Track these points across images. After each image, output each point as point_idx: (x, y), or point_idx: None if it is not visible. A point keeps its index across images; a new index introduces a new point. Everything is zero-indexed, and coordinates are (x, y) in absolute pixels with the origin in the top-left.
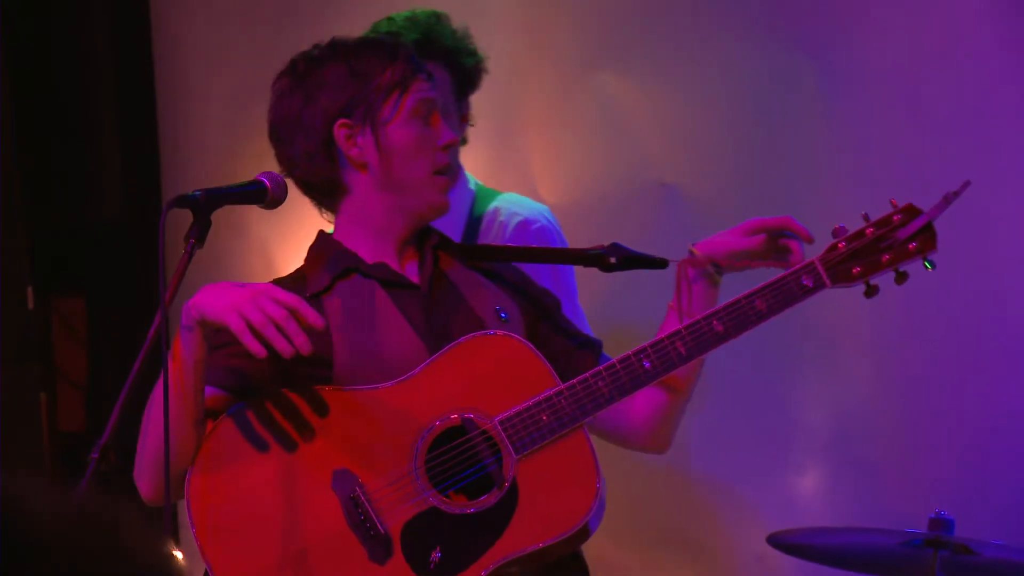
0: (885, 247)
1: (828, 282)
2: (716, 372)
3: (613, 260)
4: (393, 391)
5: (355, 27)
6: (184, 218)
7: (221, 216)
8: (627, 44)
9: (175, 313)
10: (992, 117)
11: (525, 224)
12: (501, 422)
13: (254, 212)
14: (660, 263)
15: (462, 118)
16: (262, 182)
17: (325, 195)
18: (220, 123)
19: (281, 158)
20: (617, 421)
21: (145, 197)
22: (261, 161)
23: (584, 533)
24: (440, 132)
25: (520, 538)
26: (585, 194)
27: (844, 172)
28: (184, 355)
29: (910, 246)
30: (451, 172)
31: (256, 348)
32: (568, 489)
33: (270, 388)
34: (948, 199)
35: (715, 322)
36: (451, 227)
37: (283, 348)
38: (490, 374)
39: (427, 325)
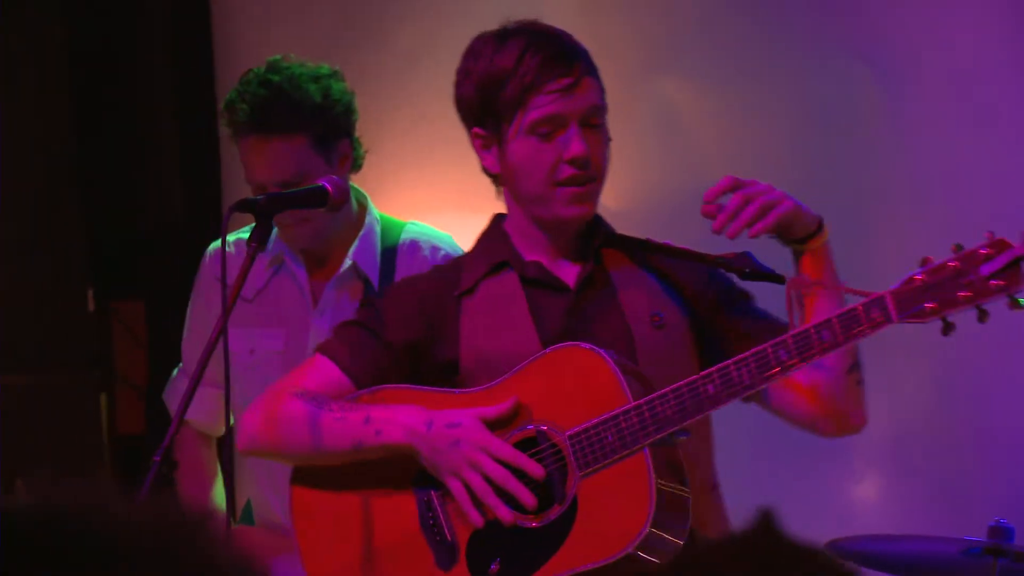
0: (965, 283)
1: (894, 316)
2: None
3: (748, 271)
4: (478, 397)
5: (412, 30)
6: (244, 222)
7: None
8: (687, 49)
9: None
10: None
11: (448, 258)
12: (570, 437)
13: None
14: (779, 279)
15: None
16: (323, 186)
17: (493, 180)
18: None
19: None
20: (789, 409)
21: (205, 200)
22: None
23: (626, 559)
24: (565, 146)
25: (572, 557)
26: (644, 199)
27: (905, 178)
28: (395, 446)
29: (992, 283)
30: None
31: (476, 518)
32: (621, 512)
33: (376, 385)
34: None
35: (781, 350)
36: (367, 259)
37: (505, 516)
38: (569, 387)
39: (566, 329)
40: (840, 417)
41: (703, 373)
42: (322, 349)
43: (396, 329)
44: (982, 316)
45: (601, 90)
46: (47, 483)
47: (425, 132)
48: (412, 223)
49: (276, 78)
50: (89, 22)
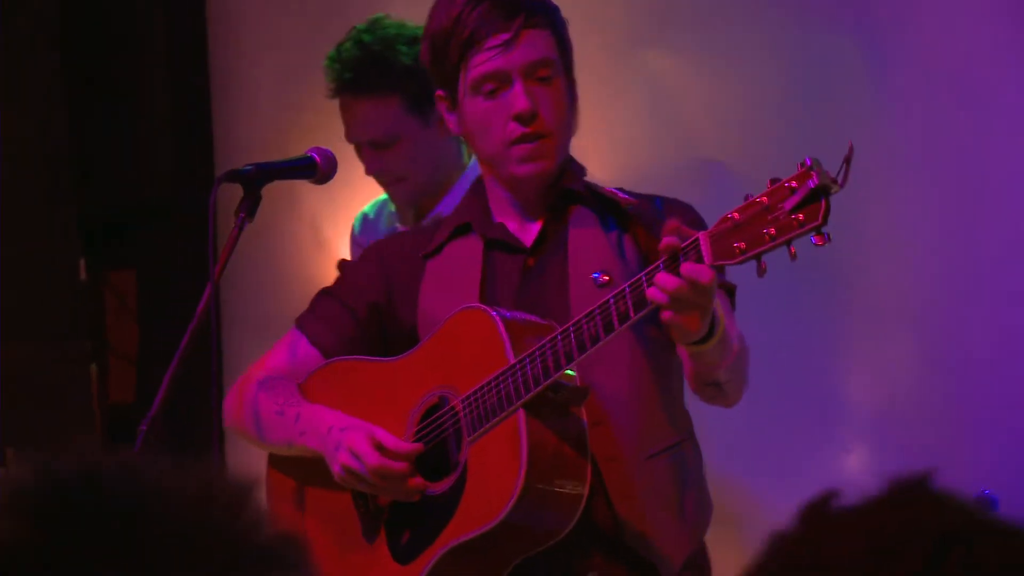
0: (771, 219)
1: (707, 258)
2: (761, 349)
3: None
4: (400, 365)
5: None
6: (236, 193)
7: (272, 191)
8: (675, 21)
9: (225, 286)
10: None
11: None
12: (462, 400)
13: (305, 187)
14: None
15: None
16: (312, 157)
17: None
18: (272, 98)
19: None
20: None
21: (197, 171)
22: (312, 135)
23: (505, 526)
24: (510, 102)
25: (461, 525)
26: (633, 171)
27: (891, 152)
28: (313, 450)
29: (796, 217)
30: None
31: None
32: (499, 477)
33: (344, 353)
34: (847, 161)
35: (620, 301)
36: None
37: (409, 499)
38: (466, 350)
39: (519, 291)
40: (707, 398)
41: (560, 328)
42: (296, 322)
43: (358, 294)
44: (760, 271)
45: (553, 42)
46: (50, 454)
47: None
48: None
49: (369, 39)
50: None
